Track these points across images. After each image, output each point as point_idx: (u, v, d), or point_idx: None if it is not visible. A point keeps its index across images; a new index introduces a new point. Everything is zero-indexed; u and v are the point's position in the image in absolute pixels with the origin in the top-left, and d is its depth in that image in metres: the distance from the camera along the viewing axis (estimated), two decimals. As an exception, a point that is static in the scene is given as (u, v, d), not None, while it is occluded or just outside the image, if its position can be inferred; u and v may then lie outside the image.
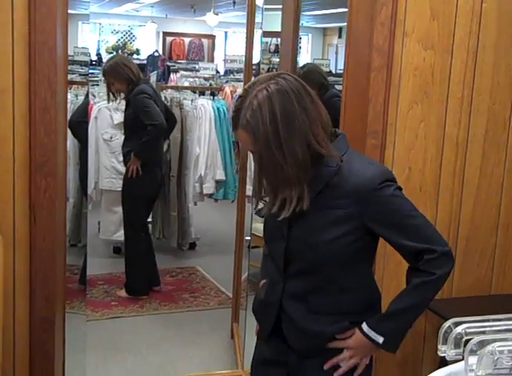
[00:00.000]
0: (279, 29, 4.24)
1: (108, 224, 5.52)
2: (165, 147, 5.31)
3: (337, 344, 1.87)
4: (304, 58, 8.11)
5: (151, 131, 4.40)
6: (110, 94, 4.59)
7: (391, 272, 2.71)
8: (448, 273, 1.81)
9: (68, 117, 2.81)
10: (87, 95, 4.32)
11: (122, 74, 4.43)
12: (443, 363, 2.16)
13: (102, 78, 4.91)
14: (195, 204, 5.75)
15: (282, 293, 1.91)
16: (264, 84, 1.71)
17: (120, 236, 5.41)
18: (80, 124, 3.57)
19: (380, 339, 1.81)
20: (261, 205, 1.95)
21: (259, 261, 4.66)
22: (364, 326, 1.84)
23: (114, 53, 11.93)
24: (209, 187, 5.65)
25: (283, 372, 1.98)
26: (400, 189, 1.81)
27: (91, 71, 6.20)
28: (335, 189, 1.77)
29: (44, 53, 2.30)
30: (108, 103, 5.04)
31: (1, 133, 2.36)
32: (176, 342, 4.07)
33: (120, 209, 5.23)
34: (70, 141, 3.90)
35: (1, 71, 2.32)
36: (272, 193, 1.80)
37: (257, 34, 3.98)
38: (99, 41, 12.04)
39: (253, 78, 1.84)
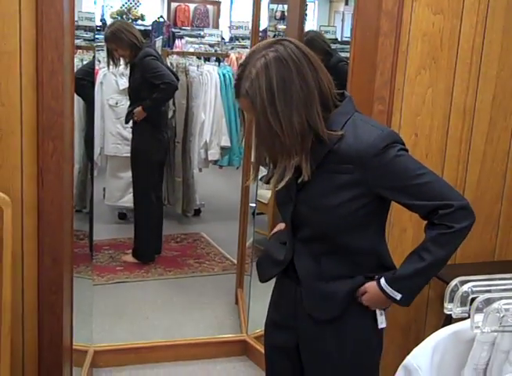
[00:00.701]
0: (285, -5, 4.21)
1: (113, 190, 5.54)
2: (170, 113, 5.30)
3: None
4: (310, 25, 8.04)
5: (164, 89, 4.41)
6: (111, 60, 4.57)
7: (395, 239, 2.72)
8: (468, 227, 1.76)
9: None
10: (93, 58, 4.32)
11: (125, 39, 4.41)
12: (447, 323, 2.19)
13: (106, 41, 4.88)
14: (200, 170, 5.76)
15: (291, 256, 1.91)
16: (263, 51, 1.70)
17: (125, 201, 5.45)
18: (80, 81, 3.56)
19: (398, 296, 1.81)
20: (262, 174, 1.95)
21: (264, 227, 4.71)
22: (382, 281, 1.83)
23: (119, 18, 11.82)
24: (214, 153, 5.66)
25: (292, 336, 1.99)
26: (406, 150, 1.78)
27: (96, 36, 6.16)
28: (340, 155, 1.75)
29: (51, 16, 2.29)
30: (108, 69, 5.02)
31: (9, 96, 2.35)
32: (181, 307, 4.12)
33: (125, 175, 5.26)
34: (76, 107, 3.90)
35: (8, 34, 2.30)
36: (270, 162, 1.81)
37: (264, 0, 3.95)
38: (103, 6, 11.94)
39: None
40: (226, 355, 3.58)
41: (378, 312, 1.91)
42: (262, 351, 3.35)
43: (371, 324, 1.92)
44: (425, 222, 1.82)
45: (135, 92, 4.61)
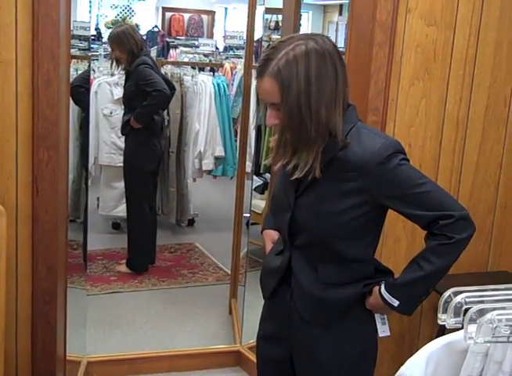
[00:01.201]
0: (280, 5, 4.23)
1: (107, 199, 5.53)
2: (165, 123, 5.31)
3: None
4: (304, 36, 8.05)
5: (155, 96, 4.40)
6: (114, 61, 4.61)
7: (389, 249, 2.73)
8: (469, 238, 1.76)
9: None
10: (89, 67, 4.33)
11: (125, 43, 4.44)
12: (440, 333, 2.20)
13: (103, 53, 4.92)
14: (194, 180, 5.76)
15: (288, 262, 1.91)
16: (302, 40, 1.69)
17: (119, 211, 5.44)
18: (78, 88, 3.57)
19: (396, 303, 1.81)
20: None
21: (258, 238, 4.70)
22: (382, 287, 1.84)
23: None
24: (208, 163, 5.66)
25: (285, 348, 1.98)
26: (407, 160, 1.79)
27: (91, 46, 6.18)
28: (344, 162, 1.75)
29: (47, 25, 2.30)
30: (110, 68, 5.05)
31: (5, 105, 2.36)
32: (175, 317, 4.10)
33: (119, 185, 5.25)
34: (70, 116, 3.91)
35: (5, 43, 2.32)
36: (290, 151, 1.79)
37: (259, 10, 3.97)
38: (97, 15, 11.96)
39: (263, 53, 1.80)
40: (220, 366, 3.57)
41: (379, 320, 1.91)
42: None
43: (368, 333, 1.92)
44: (422, 231, 1.83)
45: (128, 100, 4.62)
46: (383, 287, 1.84)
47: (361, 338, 1.92)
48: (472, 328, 1.58)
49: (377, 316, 1.92)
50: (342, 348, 1.89)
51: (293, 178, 1.79)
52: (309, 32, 1.78)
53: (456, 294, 1.70)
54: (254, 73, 4.23)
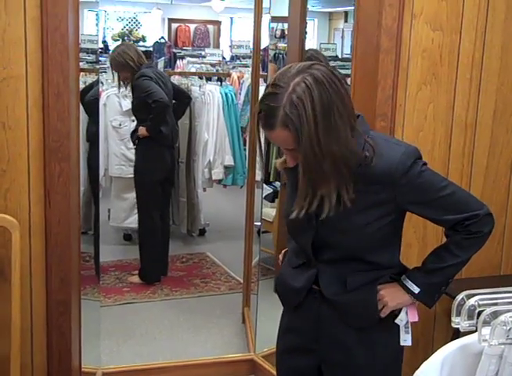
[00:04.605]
0: (285, 14, 4.25)
1: (118, 211, 5.55)
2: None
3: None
4: (310, 43, 8.09)
5: (154, 107, 4.48)
6: (121, 82, 4.70)
7: (400, 255, 2.73)
8: (491, 231, 1.82)
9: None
10: (97, 80, 4.38)
11: (122, 63, 4.53)
12: (455, 337, 2.19)
13: (110, 65, 4.99)
14: (204, 189, 5.77)
15: (315, 279, 1.89)
16: (298, 77, 1.61)
17: (130, 223, 5.45)
18: (94, 101, 3.66)
19: (416, 290, 1.83)
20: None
21: (269, 246, 4.70)
22: (402, 276, 1.87)
23: (120, 41, 11.92)
24: (218, 173, 5.68)
25: (314, 358, 1.96)
26: (426, 164, 1.79)
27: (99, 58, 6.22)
28: (366, 176, 1.73)
29: (56, 39, 2.33)
30: (118, 91, 5.12)
31: (16, 119, 2.39)
32: (188, 327, 4.11)
33: (130, 196, 5.28)
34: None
35: (14, 57, 2.34)
36: (310, 190, 1.72)
37: (265, 19, 3.99)
38: (104, 28, 12.05)
39: (281, 69, 1.72)
40: (234, 374, 3.57)
41: (403, 328, 1.90)
42: (270, 370, 3.37)
43: (398, 339, 1.91)
44: (433, 236, 1.85)
45: (135, 113, 4.76)
46: (403, 276, 1.87)
47: (392, 345, 1.92)
48: (486, 330, 1.58)
49: (402, 324, 1.90)
50: (378, 352, 1.89)
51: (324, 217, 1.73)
52: (299, 62, 1.68)
53: (469, 296, 1.70)
54: (261, 81, 4.26)
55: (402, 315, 1.89)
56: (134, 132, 4.69)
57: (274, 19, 4.19)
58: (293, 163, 1.74)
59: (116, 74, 4.81)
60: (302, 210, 1.74)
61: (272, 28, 4.33)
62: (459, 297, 1.72)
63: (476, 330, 1.63)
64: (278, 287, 2.04)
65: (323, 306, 1.90)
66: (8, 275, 2.33)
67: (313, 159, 1.64)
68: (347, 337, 1.89)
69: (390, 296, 1.86)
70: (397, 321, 1.89)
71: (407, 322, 1.90)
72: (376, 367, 1.90)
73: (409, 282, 1.85)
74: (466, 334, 1.76)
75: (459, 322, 1.69)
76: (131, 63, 4.51)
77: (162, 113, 4.61)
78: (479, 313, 1.64)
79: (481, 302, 1.67)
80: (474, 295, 1.69)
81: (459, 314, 1.69)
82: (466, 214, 1.78)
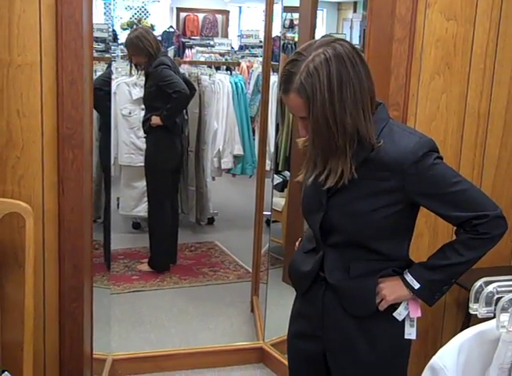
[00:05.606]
0: (296, 3, 4.25)
1: (127, 199, 5.57)
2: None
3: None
4: (319, 33, 8.05)
5: (175, 98, 4.44)
6: (133, 66, 4.64)
7: (411, 245, 2.72)
8: (501, 235, 1.78)
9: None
10: (109, 66, 4.37)
11: (141, 48, 4.46)
12: (464, 327, 2.19)
13: (120, 54, 4.97)
14: (213, 178, 5.79)
15: (321, 262, 1.91)
16: (320, 49, 1.66)
17: (139, 211, 5.48)
18: (96, 91, 3.61)
19: (416, 285, 1.82)
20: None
21: (278, 235, 4.71)
22: (404, 271, 1.86)
23: (129, 29, 11.91)
24: (227, 162, 5.69)
25: (319, 345, 1.98)
26: (441, 158, 1.78)
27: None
28: (377, 162, 1.75)
29: (71, 26, 2.33)
30: (130, 75, 5.08)
31: (30, 106, 2.39)
32: (197, 315, 4.13)
33: (139, 184, 5.30)
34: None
35: (29, 44, 2.35)
36: (322, 162, 1.77)
37: (276, 8, 3.98)
38: (113, 17, 12.03)
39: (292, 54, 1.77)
40: (243, 362, 3.59)
41: (408, 322, 1.89)
42: (279, 358, 3.39)
43: (402, 332, 1.91)
44: (444, 227, 1.84)
45: (149, 101, 4.66)
46: (406, 270, 1.86)
47: (395, 338, 1.91)
48: (504, 317, 1.58)
49: (401, 318, 1.90)
50: (379, 343, 1.89)
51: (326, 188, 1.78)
52: (327, 35, 1.75)
53: (488, 283, 1.70)
54: (272, 71, 4.25)
55: (401, 309, 1.88)
56: (146, 121, 4.66)
57: (285, 8, 4.19)
58: (304, 133, 1.78)
59: (128, 60, 4.76)
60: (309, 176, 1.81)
61: (281, 18, 4.32)
62: (478, 284, 1.72)
63: (494, 317, 1.63)
64: (290, 272, 2.06)
65: (328, 293, 1.92)
66: (21, 261, 2.35)
67: (326, 129, 1.68)
68: (348, 325, 1.90)
69: (389, 289, 1.86)
70: (395, 315, 1.89)
71: (408, 316, 1.89)
72: (377, 359, 1.90)
73: (410, 276, 1.83)
74: (480, 322, 1.75)
75: (477, 308, 1.69)
76: (150, 49, 4.46)
77: (182, 104, 4.60)
78: (497, 300, 1.64)
79: (499, 289, 1.67)
80: (492, 282, 1.69)
81: (477, 301, 1.69)
82: (475, 213, 1.75)
